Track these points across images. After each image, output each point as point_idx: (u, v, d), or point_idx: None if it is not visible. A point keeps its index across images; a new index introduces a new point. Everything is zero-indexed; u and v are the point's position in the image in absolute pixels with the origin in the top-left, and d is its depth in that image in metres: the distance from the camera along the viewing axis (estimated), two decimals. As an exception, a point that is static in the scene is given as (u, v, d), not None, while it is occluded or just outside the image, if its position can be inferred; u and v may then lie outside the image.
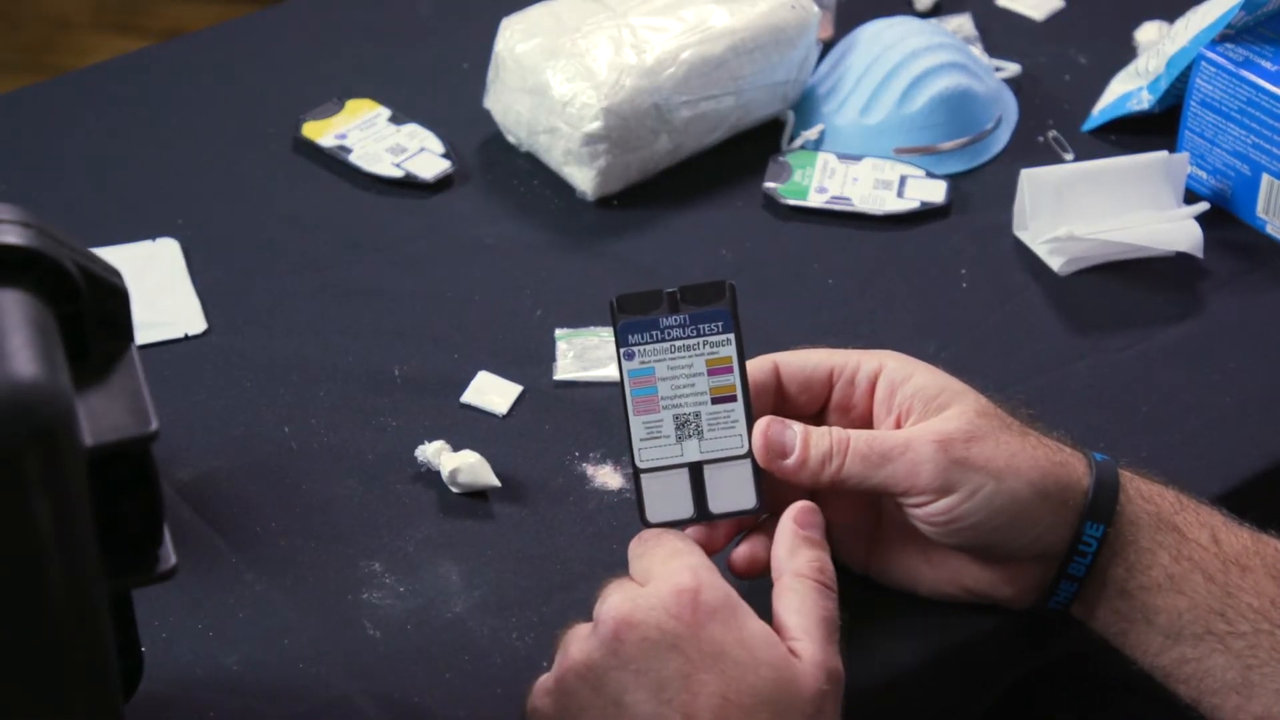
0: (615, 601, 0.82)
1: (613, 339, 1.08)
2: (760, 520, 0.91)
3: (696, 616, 0.81)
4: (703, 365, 0.89)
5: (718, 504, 0.89)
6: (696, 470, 0.89)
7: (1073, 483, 0.88)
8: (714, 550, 0.90)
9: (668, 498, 0.89)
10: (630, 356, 0.89)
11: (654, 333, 0.89)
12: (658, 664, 0.81)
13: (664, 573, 0.83)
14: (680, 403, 0.89)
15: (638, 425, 0.89)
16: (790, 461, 0.88)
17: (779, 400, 0.91)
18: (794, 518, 0.87)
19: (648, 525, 0.89)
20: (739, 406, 0.89)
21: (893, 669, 0.92)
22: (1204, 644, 0.87)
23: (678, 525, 0.89)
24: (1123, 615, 0.89)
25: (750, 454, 0.89)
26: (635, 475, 0.89)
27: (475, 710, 0.89)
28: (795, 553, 0.86)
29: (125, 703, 0.80)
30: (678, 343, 0.89)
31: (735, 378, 0.89)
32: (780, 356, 0.92)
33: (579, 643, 0.83)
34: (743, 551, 0.90)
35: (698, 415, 0.89)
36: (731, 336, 0.89)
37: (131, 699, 0.83)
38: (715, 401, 0.89)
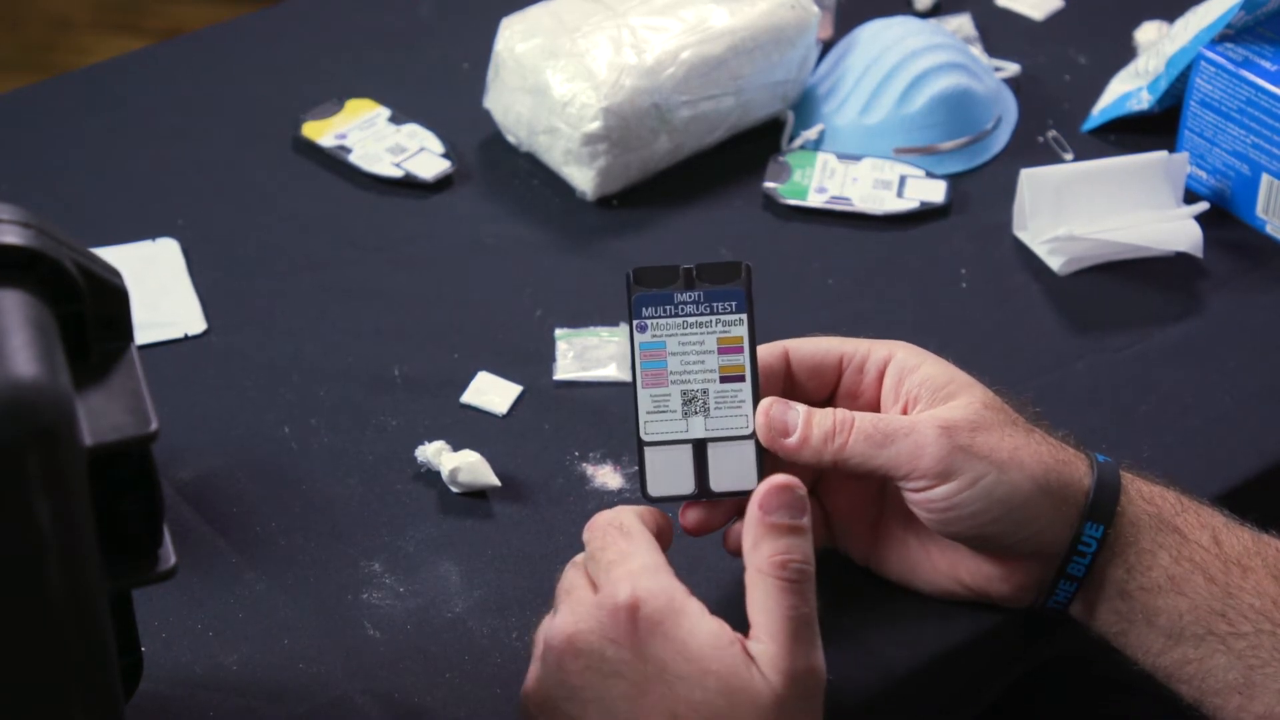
0: (559, 624, 0.82)
1: (613, 338, 1.09)
2: None
3: (636, 635, 0.80)
4: (714, 343, 0.89)
5: (719, 482, 0.89)
6: (700, 447, 0.89)
7: (1074, 482, 0.88)
8: (712, 528, 0.89)
9: (670, 472, 0.89)
10: (643, 329, 0.89)
11: (668, 307, 0.89)
12: (604, 690, 0.80)
13: (605, 583, 0.82)
14: (689, 379, 0.89)
15: (645, 398, 0.89)
16: (792, 440, 0.88)
17: (788, 385, 0.91)
18: (759, 502, 0.83)
19: (649, 499, 0.89)
20: (747, 387, 0.89)
21: (892, 668, 0.92)
22: (1205, 645, 0.87)
23: (678, 501, 0.89)
24: (1123, 616, 0.89)
25: (754, 435, 0.89)
26: (639, 448, 0.89)
27: (475, 710, 0.89)
28: (758, 545, 0.82)
29: (125, 703, 0.81)
30: (690, 319, 0.89)
31: (745, 358, 0.89)
32: (791, 342, 0.92)
33: (534, 666, 0.83)
34: (739, 530, 0.89)
35: (705, 392, 0.89)
36: (744, 317, 0.89)
37: (131, 699, 0.83)
38: (724, 380, 0.89)
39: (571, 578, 0.84)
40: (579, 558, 0.86)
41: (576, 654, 0.81)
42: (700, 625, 0.80)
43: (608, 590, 0.81)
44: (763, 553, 0.82)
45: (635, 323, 0.89)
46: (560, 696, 0.81)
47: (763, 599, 0.82)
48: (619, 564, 0.82)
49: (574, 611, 0.82)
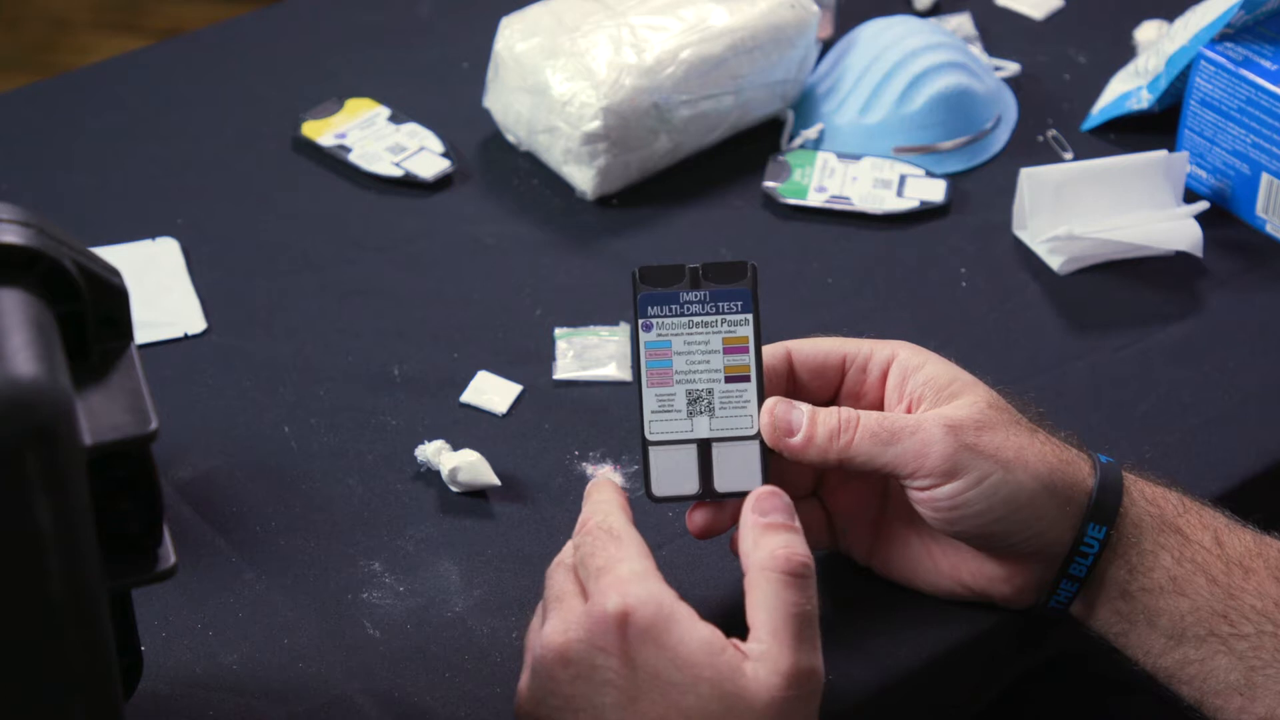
0: (549, 634, 0.81)
1: (613, 338, 1.09)
2: None
3: (626, 644, 0.79)
4: (719, 343, 0.89)
5: (724, 483, 0.89)
6: (705, 447, 0.89)
7: (1077, 482, 0.88)
8: (718, 531, 0.89)
9: (674, 472, 0.89)
10: (648, 328, 0.89)
11: (673, 306, 0.89)
12: (597, 699, 0.80)
13: (594, 591, 0.81)
14: (694, 378, 0.89)
15: (650, 398, 0.89)
16: (797, 439, 0.88)
17: (791, 386, 0.91)
18: (752, 506, 0.84)
19: (653, 499, 0.89)
20: (752, 387, 0.89)
21: (892, 668, 0.92)
22: (1207, 645, 0.87)
23: (683, 501, 0.89)
24: (1124, 616, 0.89)
25: (759, 435, 0.89)
26: (643, 447, 0.89)
27: (475, 710, 0.89)
28: (758, 544, 0.83)
29: (125, 702, 0.81)
30: (696, 319, 0.89)
31: (750, 358, 0.89)
32: (794, 343, 0.92)
33: (526, 674, 0.83)
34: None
35: (710, 392, 0.89)
36: (750, 317, 0.89)
37: (131, 698, 0.83)
38: (729, 380, 0.89)
39: (560, 583, 0.84)
40: (567, 557, 0.86)
41: (566, 664, 0.80)
42: (691, 632, 0.80)
43: (596, 599, 0.81)
44: (765, 549, 0.82)
45: (640, 322, 0.89)
46: (555, 706, 0.81)
47: (764, 597, 0.81)
48: (607, 571, 0.82)
49: (564, 621, 0.81)
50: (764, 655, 0.80)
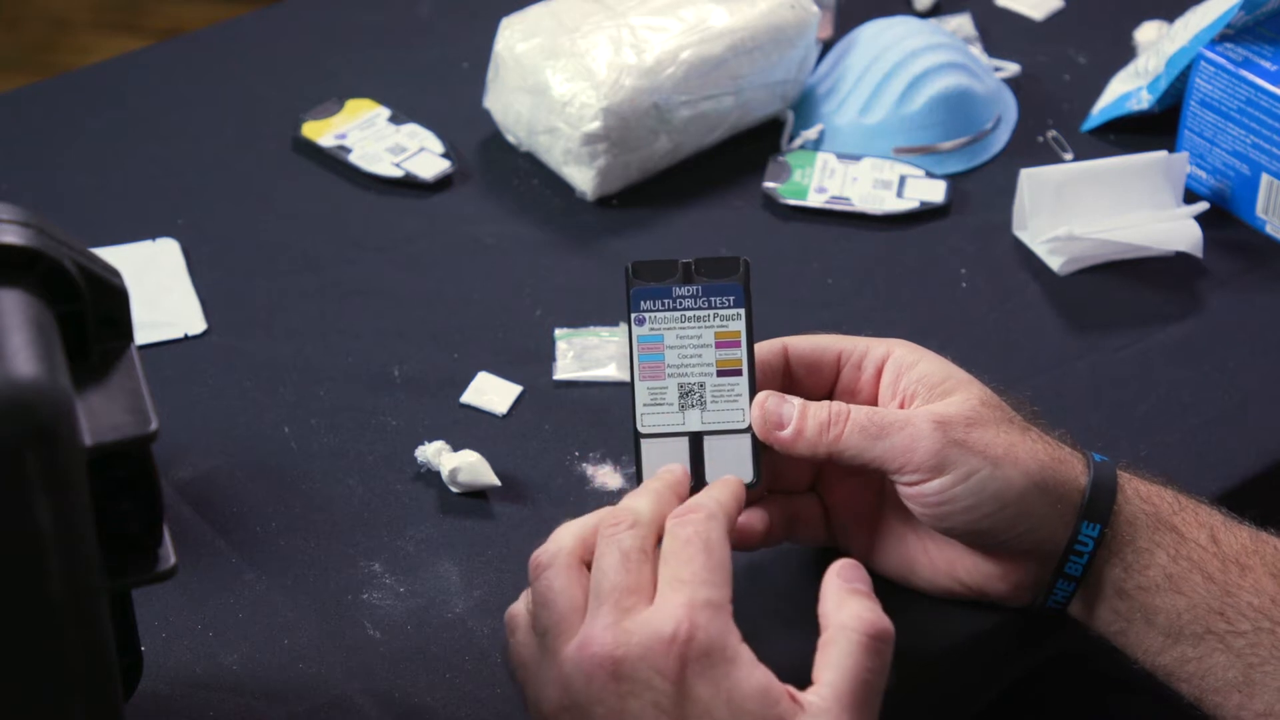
0: (602, 637, 0.78)
1: (613, 338, 1.09)
2: (759, 496, 0.91)
3: (684, 673, 0.77)
4: (711, 337, 0.90)
5: (715, 475, 0.89)
6: (696, 440, 0.89)
7: (1070, 480, 0.88)
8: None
9: (666, 465, 0.89)
10: (641, 322, 0.90)
11: (666, 301, 0.90)
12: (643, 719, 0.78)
13: (663, 606, 0.79)
14: (686, 372, 0.90)
15: (642, 390, 0.89)
16: (787, 433, 0.88)
17: (786, 382, 0.92)
18: (837, 573, 0.82)
19: None
20: (744, 381, 0.90)
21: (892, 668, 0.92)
22: (1204, 643, 0.87)
23: None
24: (1121, 615, 0.89)
25: (751, 429, 0.89)
26: (635, 440, 0.89)
27: (475, 710, 0.89)
28: (843, 605, 0.81)
29: (125, 702, 0.81)
30: (688, 313, 0.90)
31: (742, 352, 0.90)
32: (789, 339, 0.92)
33: (556, 668, 0.79)
34: (737, 522, 0.89)
35: (702, 386, 0.89)
36: (742, 312, 0.90)
37: (131, 699, 0.83)
38: (721, 374, 0.90)
39: (624, 570, 0.79)
40: (631, 535, 0.81)
41: (619, 679, 0.78)
42: (749, 678, 0.78)
43: (665, 616, 0.78)
44: (850, 610, 0.80)
45: (633, 316, 0.90)
46: (599, 715, 0.79)
47: (839, 656, 0.79)
48: (688, 588, 0.79)
49: (624, 629, 0.78)
50: (822, 713, 0.78)
